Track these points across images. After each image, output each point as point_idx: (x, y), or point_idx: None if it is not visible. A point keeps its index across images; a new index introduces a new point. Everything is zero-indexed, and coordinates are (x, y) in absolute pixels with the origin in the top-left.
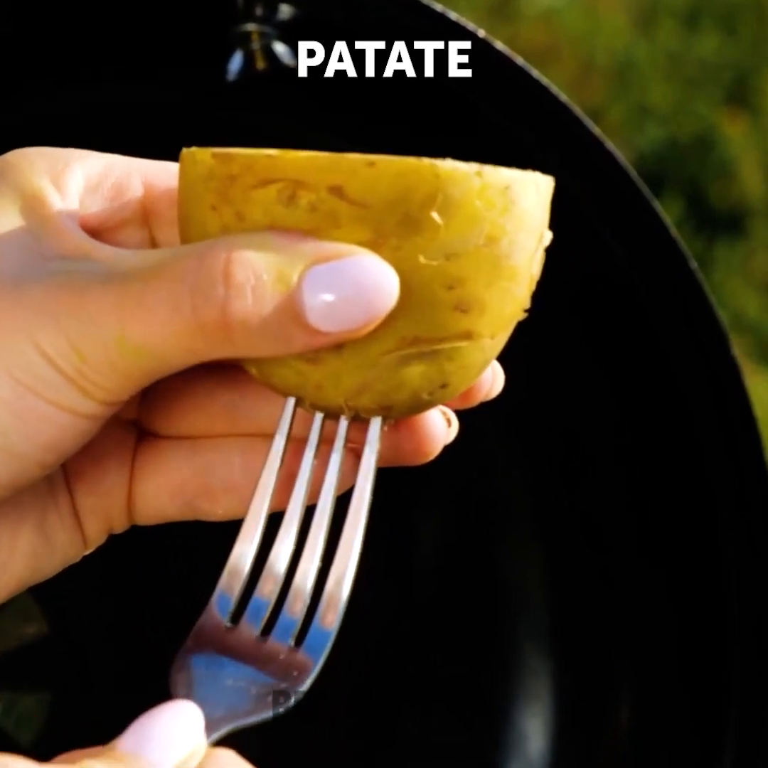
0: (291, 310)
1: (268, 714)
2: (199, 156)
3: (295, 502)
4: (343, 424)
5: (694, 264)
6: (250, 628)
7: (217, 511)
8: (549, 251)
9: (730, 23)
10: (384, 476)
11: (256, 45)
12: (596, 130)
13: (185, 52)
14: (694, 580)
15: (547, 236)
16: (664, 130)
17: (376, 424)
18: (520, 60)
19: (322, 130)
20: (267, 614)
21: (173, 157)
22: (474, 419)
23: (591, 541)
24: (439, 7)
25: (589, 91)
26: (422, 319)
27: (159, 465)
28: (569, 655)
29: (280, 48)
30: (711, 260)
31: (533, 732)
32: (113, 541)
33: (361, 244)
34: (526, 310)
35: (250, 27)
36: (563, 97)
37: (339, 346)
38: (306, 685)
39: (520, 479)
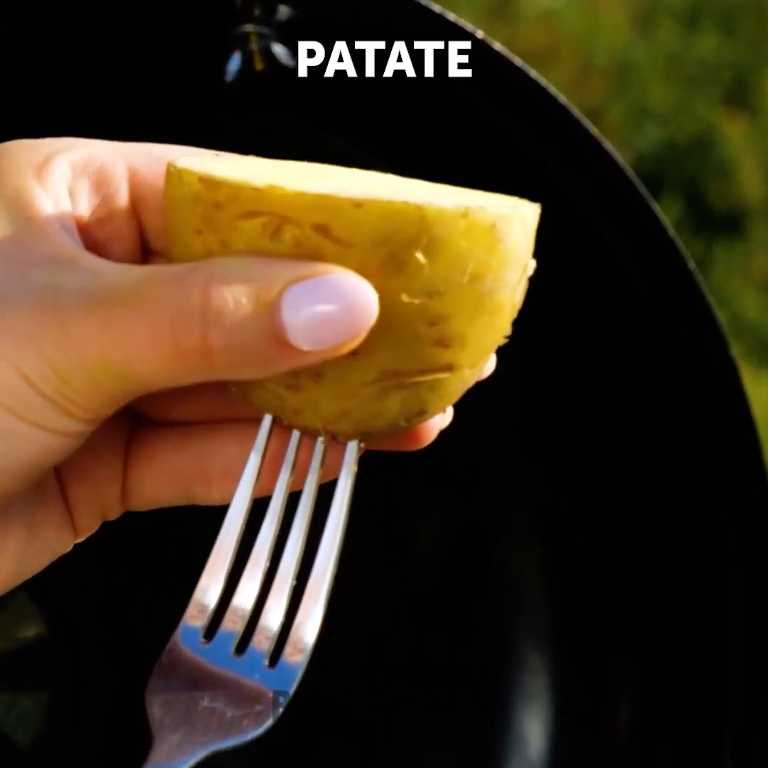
0: (271, 332)
1: (244, 737)
2: (187, 177)
3: (272, 515)
4: (320, 446)
5: (692, 264)
6: (223, 648)
7: (213, 495)
8: (549, 252)
9: (730, 23)
10: (384, 475)
11: (254, 46)
12: (595, 131)
13: (184, 53)
14: (694, 580)
15: (531, 266)
16: (663, 130)
17: (352, 448)
18: (518, 61)
19: (322, 130)
20: (239, 634)
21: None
22: (474, 419)
23: (591, 541)
24: (438, 8)
25: (588, 91)
26: (403, 353)
27: (154, 451)
28: (569, 655)
29: (278, 49)
30: (710, 261)
31: (533, 732)
32: (114, 542)
33: None
34: (506, 336)
35: (249, 28)
36: (562, 97)
37: (318, 375)
38: (282, 707)
39: (520, 479)
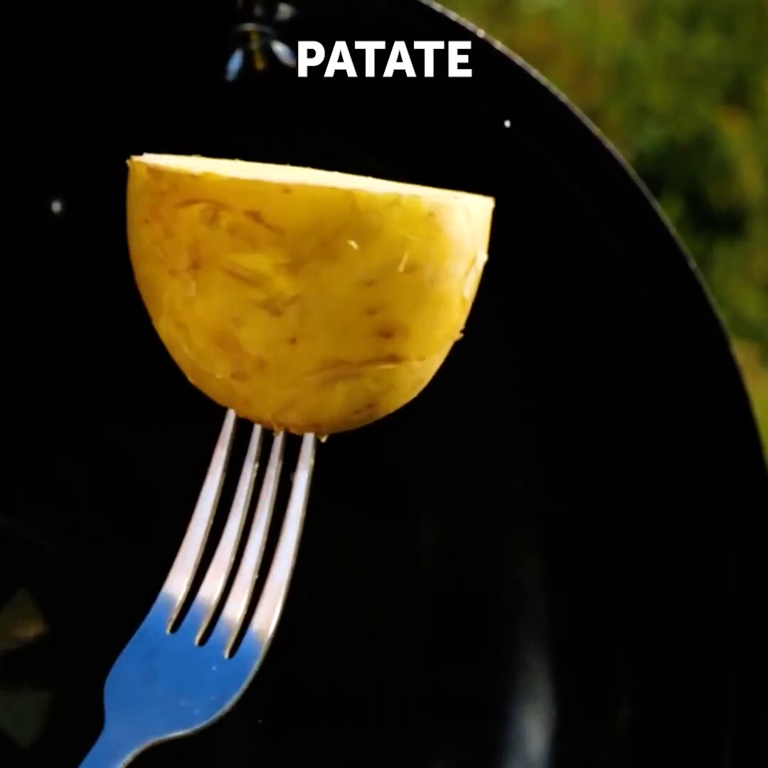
0: None
1: (192, 726)
2: (138, 169)
3: (236, 510)
4: (279, 439)
5: (693, 264)
6: (187, 637)
7: None
8: (549, 251)
9: (730, 23)
10: (385, 474)
11: (255, 45)
12: (596, 130)
13: (184, 53)
14: (694, 580)
15: (481, 259)
16: (664, 130)
17: (308, 441)
18: (519, 60)
19: (322, 130)
20: (204, 625)
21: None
22: (473, 420)
23: (591, 542)
24: (438, 7)
25: (587, 91)
26: (344, 342)
27: None
28: (569, 655)
29: (279, 48)
30: (710, 260)
31: (532, 732)
32: (115, 542)
33: (279, 267)
34: (462, 331)
35: (249, 27)
36: (563, 96)
37: (262, 363)
38: (235, 697)
39: (519, 479)
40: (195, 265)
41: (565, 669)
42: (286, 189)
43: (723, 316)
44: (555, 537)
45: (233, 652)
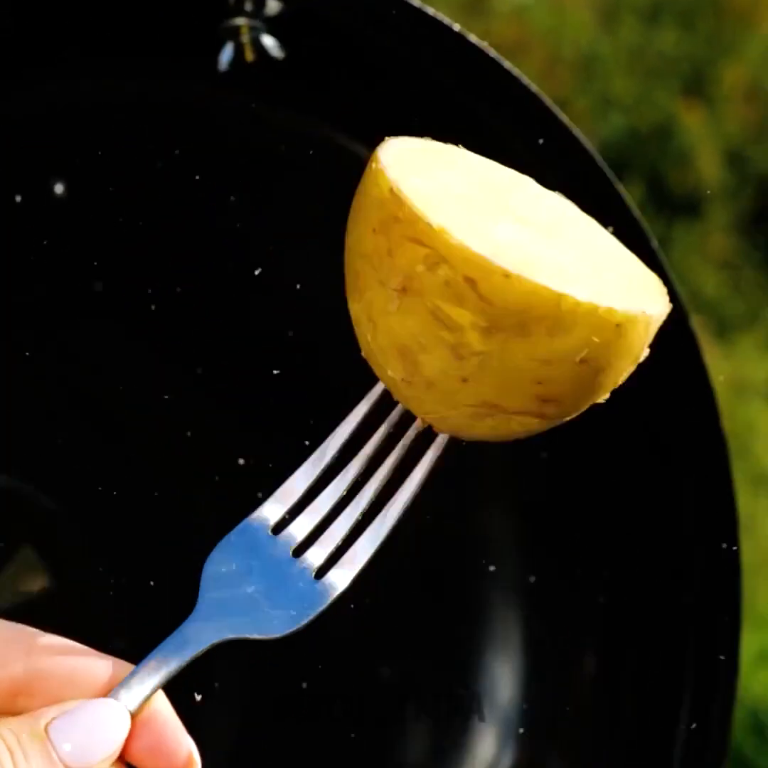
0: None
1: (270, 634)
2: (382, 181)
3: (357, 460)
4: (415, 427)
5: (655, 243)
6: (285, 545)
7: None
8: None
9: (689, 19)
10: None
11: (245, 38)
12: (564, 117)
13: (179, 46)
14: (655, 543)
15: (644, 354)
16: (626, 119)
17: (441, 438)
18: (493, 52)
19: (306, 115)
20: (300, 539)
21: (171, 145)
22: None
23: (561, 494)
24: (417, 3)
25: (556, 82)
26: (507, 395)
27: None
28: (539, 605)
29: (267, 41)
30: (670, 240)
31: (504, 677)
32: (116, 498)
33: (476, 325)
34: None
35: (240, 21)
36: (533, 86)
37: (431, 384)
38: (311, 618)
39: (496, 448)
40: (404, 291)
41: (535, 619)
42: (506, 274)
43: (682, 292)
44: (527, 487)
45: (321, 576)
